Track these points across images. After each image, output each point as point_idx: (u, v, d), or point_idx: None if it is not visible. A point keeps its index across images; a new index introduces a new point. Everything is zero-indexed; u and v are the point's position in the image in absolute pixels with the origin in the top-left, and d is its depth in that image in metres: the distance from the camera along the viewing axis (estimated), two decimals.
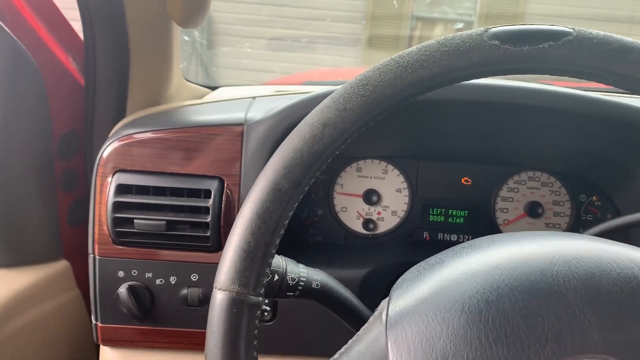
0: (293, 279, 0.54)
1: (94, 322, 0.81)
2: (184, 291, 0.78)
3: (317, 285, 0.56)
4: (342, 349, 0.44)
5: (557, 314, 0.38)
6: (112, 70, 0.93)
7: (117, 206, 0.76)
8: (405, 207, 0.94)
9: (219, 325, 0.40)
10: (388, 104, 0.42)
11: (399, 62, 0.42)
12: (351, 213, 0.94)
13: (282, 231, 0.42)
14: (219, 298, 0.41)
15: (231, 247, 0.41)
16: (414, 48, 0.42)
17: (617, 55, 0.40)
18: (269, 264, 0.42)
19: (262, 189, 0.41)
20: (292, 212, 0.42)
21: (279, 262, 0.54)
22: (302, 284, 0.55)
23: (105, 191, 0.77)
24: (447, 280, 0.42)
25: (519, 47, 0.40)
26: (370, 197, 0.93)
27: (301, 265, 0.56)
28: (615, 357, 0.36)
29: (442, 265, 0.45)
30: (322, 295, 0.57)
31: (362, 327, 0.45)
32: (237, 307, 0.40)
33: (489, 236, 0.48)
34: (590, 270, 0.39)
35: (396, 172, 0.94)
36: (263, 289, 0.42)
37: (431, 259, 0.47)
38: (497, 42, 0.41)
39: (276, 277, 0.53)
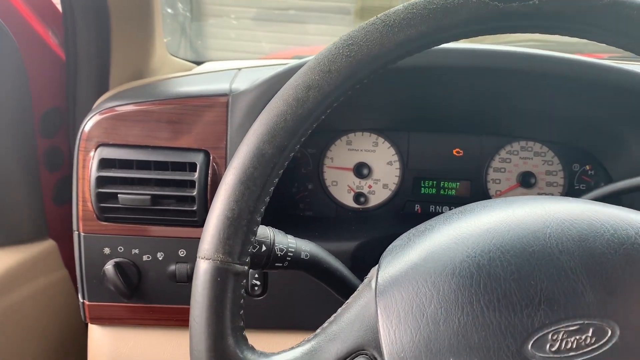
0: (281, 250, 0.53)
1: (80, 300, 0.80)
2: (172, 267, 0.77)
3: (306, 255, 0.55)
4: (332, 317, 0.44)
5: (550, 276, 0.37)
6: (92, 43, 0.90)
7: (101, 181, 0.74)
8: (396, 180, 0.93)
9: (203, 295, 0.39)
10: (375, 65, 0.40)
11: (385, 20, 0.40)
12: (342, 187, 0.93)
13: (267, 198, 0.41)
14: (203, 267, 0.40)
15: (214, 215, 0.40)
16: (400, 6, 0.41)
17: (611, 10, 0.39)
18: (254, 232, 0.41)
19: (245, 155, 0.40)
20: (277, 179, 0.41)
21: (267, 232, 0.53)
22: (291, 254, 0.54)
23: (88, 166, 0.75)
24: (437, 245, 0.41)
25: (508, 3, 0.39)
26: (361, 170, 0.92)
27: (290, 236, 0.56)
28: (609, 319, 0.36)
29: (432, 231, 0.44)
30: (311, 265, 0.56)
31: (352, 295, 0.44)
32: (221, 276, 0.39)
33: (480, 202, 0.47)
34: (583, 232, 0.39)
35: (387, 144, 0.92)
36: (248, 258, 0.41)
37: (421, 226, 0.46)
38: None
39: (264, 248, 0.52)
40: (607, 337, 0.36)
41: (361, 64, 0.40)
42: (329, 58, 0.40)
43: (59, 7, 0.92)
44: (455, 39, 0.41)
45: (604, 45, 0.42)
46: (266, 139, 0.40)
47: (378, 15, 0.41)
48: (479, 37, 0.42)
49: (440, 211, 0.93)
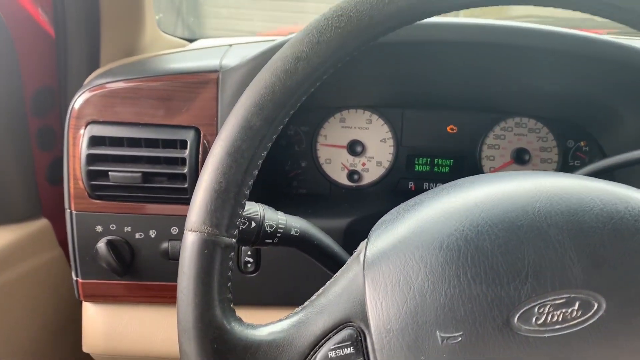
0: (271, 226, 0.53)
1: (74, 278, 0.80)
2: (165, 245, 0.77)
3: (297, 232, 0.55)
4: (320, 290, 0.44)
5: (537, 250, 0.37)
6: (82, 20, 0.89)
7: (91, 159, 0.74)
8: (390, 157, 0.92)
9: (190, 267, 0.39)
10: (365, 37, 0.39)
11: None
12: (335, 165, 0.93)
13: (256, 172, 0.41)
14: (190, 239, 0.39)
15: (202, 187, 0.40)
16: None
17: None
18: (242, 205, 0.40)
19: (233, 127, 0.39)
20: (265, 152, 0.41)
21: (257, 209, 0.53)
22: (281, 231, 0.54)
23: (79, 144, 0.75)
24: (425, 219, 0.41)
25: None
26: (355, 147, 0.92)
27: (280, 213, 0.55)
28: (596, 292, 0.36)
29: (421, 205, 0.44)
30: (301, 242, 0.56)
31: (341, 269, 0.44)
32: (208, 248, 0.39)
33: (470, 177, 0.46)
34: (572, 207, 0.39)
35: (381, 121, 0.92)
36: (236, 231, 0.41)
37: (411, 201, 0.46)
38: None
39: (253, 225, 0.52)
40: (593, 310, 0.36)
41: (351, 35, 0.39)
42: (317, 29, 0.39)
43: None
44: (447, 10, 0.40)
45: (602, 20, 0.41)
46: (254, 111, 0.39)
47: None
48: (476, 12, 0.42)
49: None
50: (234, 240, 0.40)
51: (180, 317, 0.40)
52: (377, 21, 0.39)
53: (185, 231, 0.40)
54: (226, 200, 0.39)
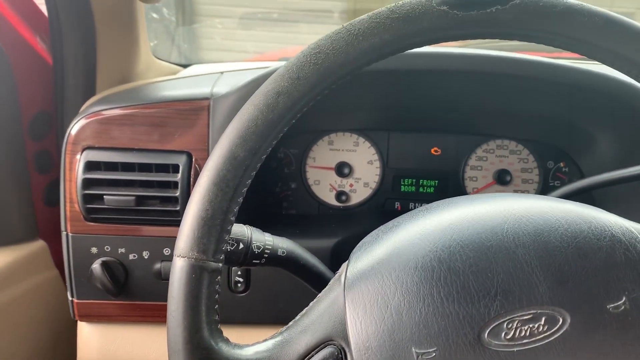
0: (258, 247, 0.55)
1: (69, 298, 0.82)
2: (157, 265, 0.79)
3: (283, 252, 0.57)
4: (304, 311, 0.46)
5: (506, 269, 0.39)
6: (79, 48, 0.91)
7: (87, 183, 0.76)
8: (376, 178, 0.95)
9: (179, 291, 0.41)
10: (341, 72, 0.42)
11: (350, 30, 0.41)
12: (324, 186, 0.95)
13: (240, 199, 0.42)
14: (179, 265, 0.41)
15: (189, 215, 0.41)
16: (365, 16, 0.42)
17: (564, 17, 0.40)
18: (228, 231, 0.42)
19: (218, 158, 0.41)
20: (250, 180, 0.43)
21: (244, 231, 0.54)
22: (268, 251, 0.55)
23: (75, 168, 0.77)
24: (402, 241, 0.43)
25: (467, 12, 0.40)
26: (342, 169, 0.94)
27: (267, 234, 0.57)
28: (561, 308, 0.38)
29: (398, 227, 0.46)
30: (288, 262, 0.58)
31: (323, 290, 0.46)
32: (196, 272, 0.41)
33: (446, 199, 0.49)
34: (539, 227, 0.41)
35: (367, 144, 0.94)
36: (222, 256, 0.42)
37: (389, 223, 0.48)
38: (445, 7, 0.40)
39: (241, 246, 0.53)
40: (558, 325, 0.38)
41: (328, 71, 0.41)
42: (297, 66, 0.42)
43: (46, 12, 0.93)
44: (418, 46, 0.43)
45: None
46: (238, 142, 0.41)
47: (344, 25, 0.43)
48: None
49: None
50: (220, 264, 0.42)
51: (170, 338, 0.41)
52: (352, 58, 0.41)
53: (174, 257, 0.42)
54: (212, 227, 0.41)
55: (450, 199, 0.49)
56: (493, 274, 0.39)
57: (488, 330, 0.38)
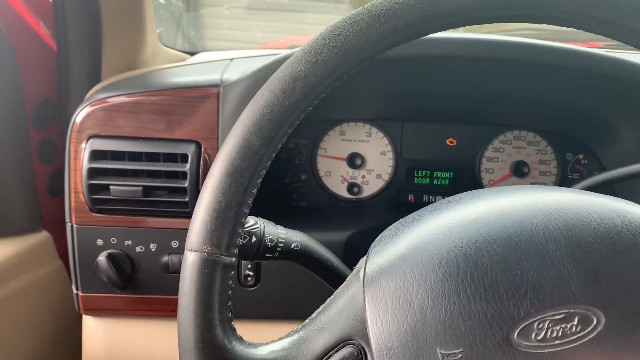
0: (271, 241, 0.53)
1: (74, 291, 0.81)
2: (165, 258, 0.78)
3: (297, 246, 0.56)
4: (320, 308, 0.44)
5: (536, 266, 0.37)
6: (84, 34, 0.90)
7: (92, 173, 0.75)
8: (389, 170, 0.93)
9: (190, 287, 0.39)
10: (362, 56, 0.40)
11: (372, 11, 0.39)
12: (335, 177, 0.93)
13: (255, 190, 0.41)
14: (191, 259, 0.39)
15: (202, 207, 0.40)
16: None
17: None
18: (242, 224, 0.41)
19: (232, 147, 0.40)
20: (264, 171, 0.41)
21: (257, 224, 0.53)
22: (281, 245, 0.54)
23: (80, 158, 0.75)
24: (424, 235, 0.41)
25: None
26: (355, 160, 0.92)
27: (280, 227, 0.56)
28: (595, 308, 0.36)
29: (420, 221, 0.44)
30: (301, 256, 0.56)
31: (341, 286, 0.44)
32: (209, 267, 0.39)
33: (468, 192, 0.47)
34: (570, 222, 0.39)
35: (380, 134, 0.92)
36: (236, 250, 0.41)
37: (410, 217, 0.46)
38: None
39: (254, 239, 0.52)
40: (592, 326, 0.36)
41: (348, 55, 0.39)
42: (315, 49, 0.40)
43: None
44: (443, 29, 0.41)
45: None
46: (253, 130, 0.39)
47: (365, 6, 0.41)
48: (474, 26, 0.42)
49: (433, 201, 0.93)
50: (234, 259, 0.40)
51: (181, 336, 0.40)
52: (373, 41, 0.39)
53: (185, 250, 0.40)
54: (226, 220, 0.39)
55: (473, 191, 0.47)
56: (522, 271, 0.37)
57: (518, 330, 0.36)
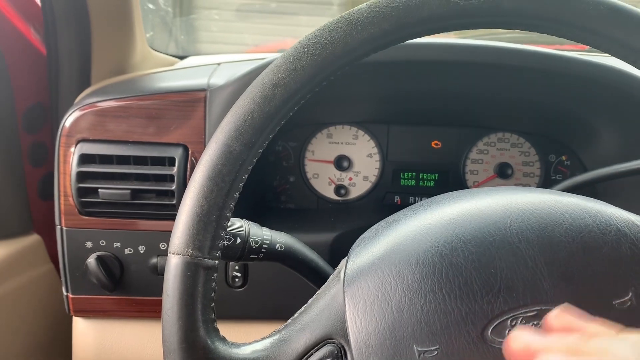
0: (256, 242, 0.54)
1: (64, 293, 0.81)
2: (154, 260, 0.78)
3: (281, 247, 0.56)
4: (302, 308, 0.45)
5: (509, 265, 0.38)
6: (73, 39, 0.90)
7: (81, 176, 0.75)
8: (376, 172, 0.94)
9: (174, 289, 0.40)
10: (340, 63, 0.41)
11: (349, 19, 0.40)
12: (323, 179, 0.94)
13: (237, 194, 0.42)
14: (174, 262, 0.40)
15: (184, 211, 0.40)
16: (363, 5, 0.41)
17: (567, 5, 0.39)
18: (224, 227, 0.41)
19: (214, 152, 0.40)
20: (246, 175, 0.42)
21: (242, 225, 0.53)
22: (266, 246, 0.54)
23: (69, 161, 0.76)
24: (402, 236, 0.43)
25: (469, 0, 0.39)
26: (342, 163, 0.93)
27: (265, 229, 0.56)
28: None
29: (399, 222, 0.45)
30: (286, 257, 0.57)
31: (322, 286, 0.45)
32: (191, 270, 0.40)
33: (447, 193, 0.48)
34: (542, 222, 0.40)
35: (367, 137, 0.93)
36: (219, 252, 0.41)
37: (389, 218, 0.48)
38: None
39: (239, 241, 0.52)
40: None
41: (326, 62, 0.40)
42: (294, 56, 0.41)
43: (39, 1, 0.92)
44: (418, 36, 0.42)
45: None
46: (234, 136, 0.40)
47: (342, 14, 0.42)
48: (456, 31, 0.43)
49: None
50: (216, 262, 0.41)
51: (165, 338, 0.40)
52: (351, 48, 0.40)
53: (168, 254, 0.41)
54: (208, 224, 0.40)
55: (451, 192, 0.48)
56: (496, 270, 0.39)
57: (492, 327, 0.37)
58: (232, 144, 0.40)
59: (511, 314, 0.37)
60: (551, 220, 0.40)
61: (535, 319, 0.37)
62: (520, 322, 0.37)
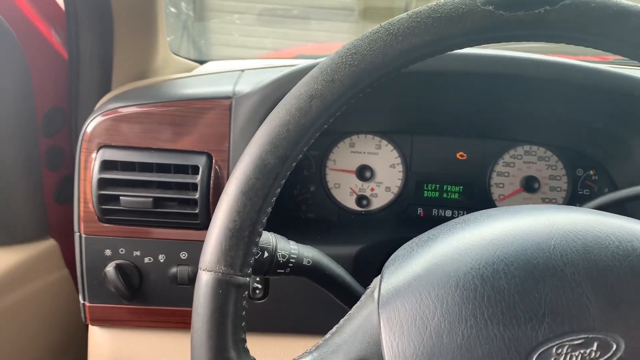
0: (283, 256, 0.53)
1: (81, 301, 0.80)
2: (173, 269, 0.77)
3: (309, 262, 0.55)
4: (334, 329, 0.43)
5: (554, 289, 0.37)
6: (95, 43, 0.89)
7: (102, 183, 0.74)
8: (399, 183, 0.92)
9: (204, 307, 0.39)
10: (378, 74, 0.40)
11: (389, 29, 0.39)
12: (344, 189, 0.93)
13: (270, 209, 0.40)
14: (205, 279, 0.39)
15: (216, 226, 0.39)
16: (404, 15, 0.40)
17: (616, 20, 0.38)
18: (256, 243, 0.40)
19: (247, 165, 0.39)
20: (279, 189, 0.41)
21: (269, 239, 0.52)
22: (293, 261, 0.53)
23: (90, 167, 0.75)
24: (440, 256, 0.41)
25: (513, 12, 0.38)
26: (364, 173, 0.92)
27: (292, 242, 0.55)
28: (615, 333, 0.36)
29: (435, 241, 0.43)
30: (313, 272, 0.56)
31: (355, 306, 0.44)
32: (223, 288, 0.39)
33: (483, 210, 0.46)
34: (588, 244, 0.38)
35: (390, 147, 0.92)
36: (250, 269, 0.40)
37: (424, 235, 0.46)
38: (491, 7, 0.38)
39: (266, 255, 0.51)
40: (612, 351, 0.35)
41: (364, 73, 0.39)
42: (332, 67, 0.40)
43: (63, 6, 0.91)
44: (460, 47, 0.41)
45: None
46: (268, 149, 0.39)
47: (382, 24, 0.40)
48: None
49: (443, 215, 0.93)
50: (248, 279, 0.40)
51: (194, 357, 0.39)
52: (390, 59, 0.39)
53: (199, 270, 0.40)
54: (240, 239, 0.39)
55: (488, 210, 0.46)
56: (540, 294, 0.37)
57: (536, 355, 0.35)
58: (267, 157, 0.39)
59: (557, 342, 0.35)
60: (597, 243, 0.38)
61: (583, 347, 0.35)
62: (567, 350, 0.35)
